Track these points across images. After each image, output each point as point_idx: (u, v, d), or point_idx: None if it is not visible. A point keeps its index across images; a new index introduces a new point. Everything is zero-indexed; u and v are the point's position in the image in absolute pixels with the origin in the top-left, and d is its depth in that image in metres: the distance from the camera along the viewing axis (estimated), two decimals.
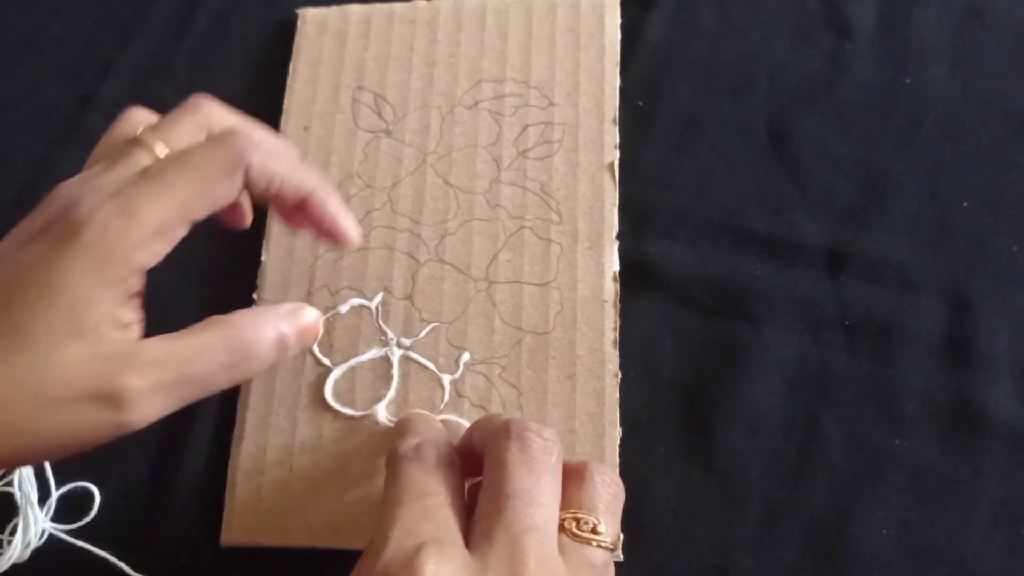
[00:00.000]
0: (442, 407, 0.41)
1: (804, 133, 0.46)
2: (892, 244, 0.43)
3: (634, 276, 0.44)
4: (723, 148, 0.46)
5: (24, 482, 0.41)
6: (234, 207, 0.39)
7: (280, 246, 0.45)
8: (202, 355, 0.33)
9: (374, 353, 0.43)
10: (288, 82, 0.50)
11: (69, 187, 0.34)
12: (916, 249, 0.43)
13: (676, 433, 0.41)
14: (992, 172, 0.45)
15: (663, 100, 0.48)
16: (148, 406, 0.32)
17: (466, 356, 0.42)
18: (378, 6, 0.51)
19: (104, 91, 0.51)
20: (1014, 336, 0.41)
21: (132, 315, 0.33)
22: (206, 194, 0.34)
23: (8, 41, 0.54)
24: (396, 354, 0.43)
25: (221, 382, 0.34)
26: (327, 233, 0.38)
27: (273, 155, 0.35)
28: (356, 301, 0.44)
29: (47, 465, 0.42)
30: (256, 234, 0.46)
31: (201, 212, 0.34)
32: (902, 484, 0.39)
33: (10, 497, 0.41)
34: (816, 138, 0.46)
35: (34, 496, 0.41)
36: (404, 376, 0.42)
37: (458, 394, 0.42)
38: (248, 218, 0.41)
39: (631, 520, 0.39)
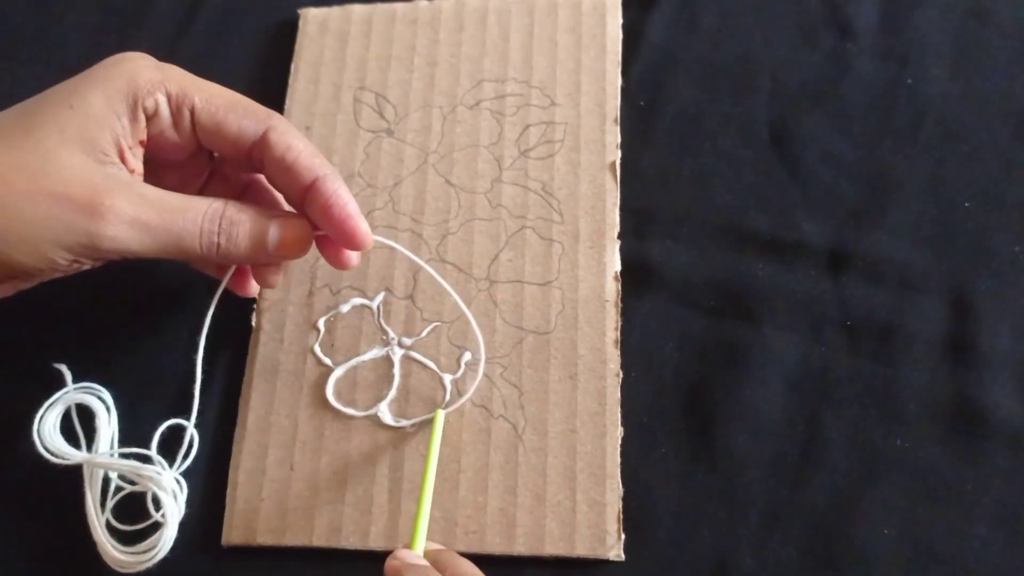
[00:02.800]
0: (444, 406, 0.41)
1: (806, 133, 0.46)
2: (894, 244, 0.43)
3: (635, 276, 0.44)
4: (724, 148, 0.46)
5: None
6: (243, 275, 0.41)
7: None
8: (187, 212, 0.35)
9: (375, 353, 0.43)
10: (289, 82, 0.50)
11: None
12: (918, 249, 0.43)
13: (677, 433, 0.41)
14: (993, 172, 0.45)
15: (664, 100, 0.48)
16: (124, 232, 0.34)
17: (467, 356, 0.42)
18: (380, 6, 0.51)
19: None
20: (1015, 336, 0.41)
21: (138, 164, 0.36)
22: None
23: (9, 41, 0.54)
24: (397, 354, 0.43)
25: (196, 246, 0.36)
26: (336, 224, 0.37)
27: (295, 132, 0.38)
28: (357, 301, 0.44)
29: None
30: None
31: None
32: (903, 484, 0.39)
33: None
34: (818, 138, 0.46)
35: None
36: (405, 376, 0.42)
37: (459, 393, 0.42)
38: (253, 287, 0.42)
39: (632, 520, 0.39)
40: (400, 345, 0.43)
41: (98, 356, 0.44)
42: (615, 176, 0.45)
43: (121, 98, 0.35)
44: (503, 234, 0.45)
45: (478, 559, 0.39)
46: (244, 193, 0.41)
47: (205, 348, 0.44)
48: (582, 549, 0.39)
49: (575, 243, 0.44)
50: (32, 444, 0.41)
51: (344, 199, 0.37)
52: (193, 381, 0.43)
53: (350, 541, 0.40)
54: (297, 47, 0.51)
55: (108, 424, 0.42)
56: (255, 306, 0.45)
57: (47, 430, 0.41)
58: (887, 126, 0.46)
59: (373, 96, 0.49)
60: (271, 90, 0.50)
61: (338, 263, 0.40)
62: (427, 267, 0.40)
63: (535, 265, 0.44)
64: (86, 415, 0.42)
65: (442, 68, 0.49)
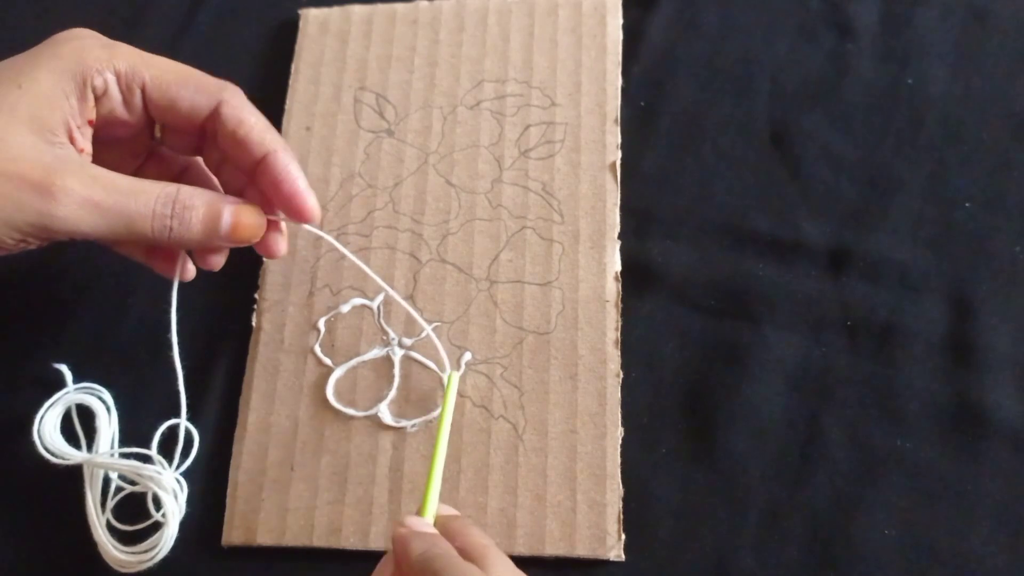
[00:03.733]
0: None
1: (806, 133, 0.46)
2: (894, 245, 0.43)
3: (636, 276, 0.44)
4: (725, 148, 0.46)
5: None
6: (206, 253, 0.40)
7: None
8: (139, 195, 0.35)
9: (376, 353, 0.43)
10: (290, 82, 0.50)
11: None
12: (918, 250, 0.43)
13: (678, 433, 0.41)
14: (994, 173, 0.45)
15: (665, 100, 0.48)
16: (75, 213, 0.34)
17: (468, 356, 0.42)
18: (380, 6, 0.51)
19: None
20: (1016, 337, 0.41)
21: (86, 144, 0.36)
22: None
23: (9, 42, 0.54)
24: (398, 354, 0.43)
25: (148, 229, 0.35)
26: (286, 198, 0.38)
27: (248, 106, 0.38)
28: (358, 301, 0.44)
29: None
30: None
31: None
32: (904, 484, 0.39)
33: None
34: (818, 138, 0.46)
35: None
36: (405, 376, 0.42)
37: (460, 394, 0.42)
38: (191, 271, 0.41)
39: (633, 520, 0.39)
40: (400, 345, 0.43)
41: (98, 356, 0.44)
42: (615, 176, 0.45)
43: (69, 77, 0.35)
44: (503, 234, 0.45)
45: None
46: (182, 176, 0.41)
47: (205, 348, 0.45)
48: (582, 549, 0.39)
49: (575, 243, 0.44)
50: (32, 444, 0.41)
51: (294, 174, 0.37)
52: (194, 382, 0.43)
53: (350, 541, 0.40)
54: (298, 47, 0.51)
55: (108, 424, 0.42)
56: (255, 306, 0.45)
57: (47, 430, 0.41)
58: (887, 126, 0.46)
59: (373, 96, 0.49)
60: (271, 90, 0.50)
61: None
62: (352, 256, 0.41)
63: (535, 265, 0.44)
64: (86, 415, 0.42)
65: (442, 68, 0.49)
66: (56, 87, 0.34)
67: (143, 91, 0.36)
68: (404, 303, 0.42)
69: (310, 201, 0.38)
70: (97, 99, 0.36)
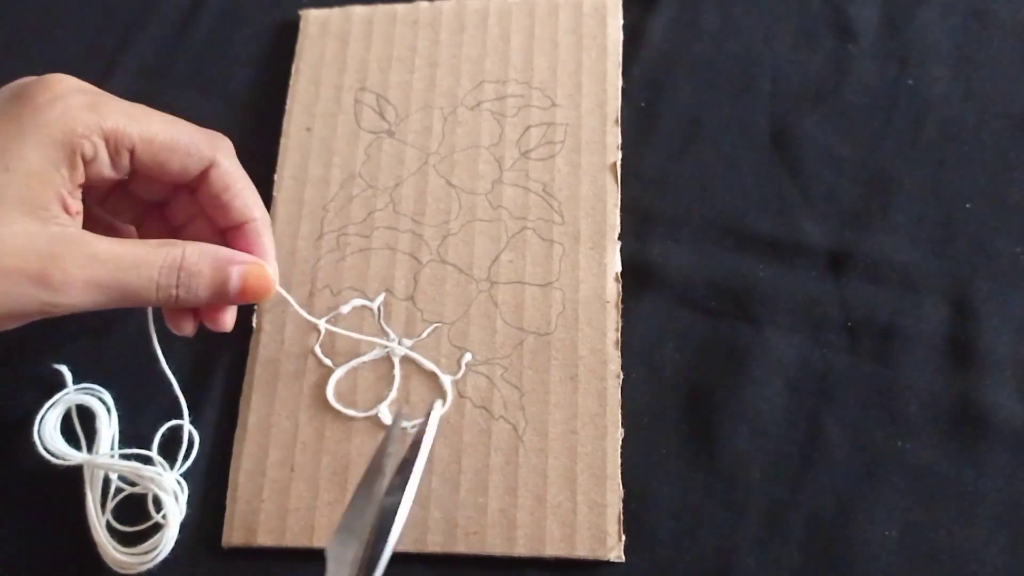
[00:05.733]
0: (444, 408, 0.41)
1: (806, 134, 0.46)
2: (894, 245, 0.43)
3: (636, 277, 0.44)
4: (725, 149, 0.46)
5: None
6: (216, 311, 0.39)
7: (282, 247, 0.45)
8: (141, 268, 0.34)
9: (376, 354, 0.43)
10: (290, 83, 0.50)
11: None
12: (918, 250, 0.43)
13: (678, 434, 0.41)
14: (995, 173, 0.45)
15: (665, 101, 0.48)
16: (78, 297, 0.33)
17: (468, 357, 0.42)
18: (380, 7, 0.51)
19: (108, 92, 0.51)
20: (1017, 338, 0.41)
21: (78, 205, 0.35)
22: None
23: (11, 43, 0.54)
24: (398, 355, 0.43)
25: (152, 299, 0.35)
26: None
27: (237, 169, 0.37)
28: (358, 302, 0.44)
29: None
30: None
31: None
32: (904, 486, 0.39)
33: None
34: (818, 139, 0.46)
35: None
36: (406, 377, 0.42)
37: (460, 395, 0.42)
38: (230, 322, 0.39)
39: (633, 521, 0.39)
40: (401, 346, 0.43)
41: (98, 357, 0.44)
42: (616, 177, 0.45)
43: (59, 149, 0.33)
44: (504, 235, 0.45)
45: (479, 560, 0.39)
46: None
47: (205, 349, 0.45)
48: (582, 550, 0.38)
49: (576, 244, 0.44)
50: (33, 445, 0.41)
51: (266, 247, 0.38)
52: (194, 383, 0.43)
53: None
54: (298, 48, 0.51)
55: (108, 425, 0.42)
56: (255, 307, 0.45)
57: (47, 431, 0.41)
58: (888, 127, 0.46)
59: (374, 97, 0.49)
60: (272, 91, 0.50)
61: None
62: (302, 311, 0.41)
63: (536, 266, 0.44)
64: (86, 416, 0.42)
65: (443, 69, 0.49)
66: (45, 162, 0.33)
67: (132, 153, 0.35)
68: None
69: (274, 275, 0.38)
70: (87, 164, 0.34)
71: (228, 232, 0.38)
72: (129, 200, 0.39)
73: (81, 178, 0.34)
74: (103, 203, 0.39)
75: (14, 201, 0.32)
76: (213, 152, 0.37)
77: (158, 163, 0.36)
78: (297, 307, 0.41)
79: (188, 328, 0.38)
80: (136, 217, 0.40)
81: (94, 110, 0.34)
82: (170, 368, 0.41)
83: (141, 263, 0.34)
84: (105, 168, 0.35)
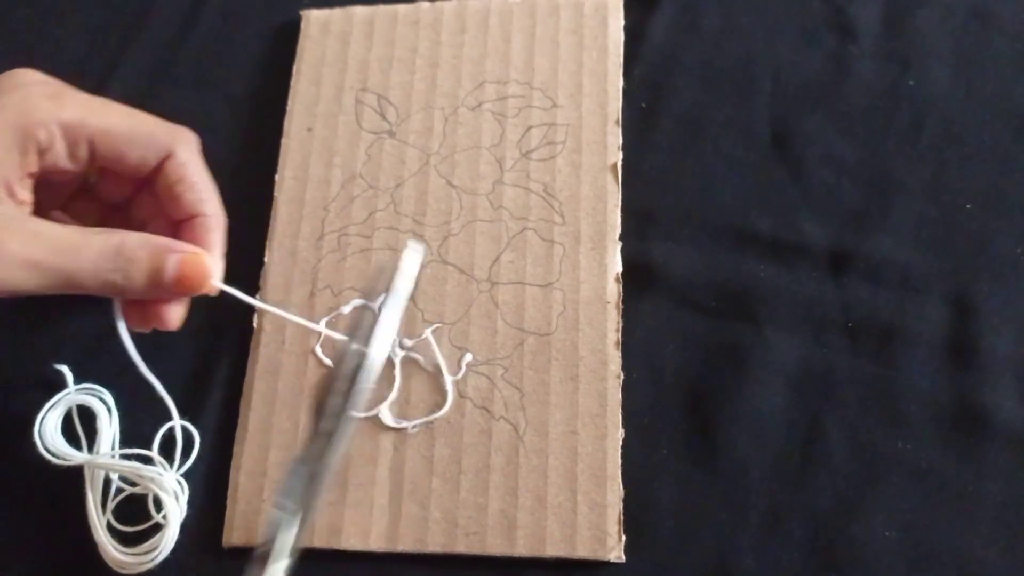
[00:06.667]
0: (445, 409, 0.41)
1: (807, 135, 0.46)
2: (895, 246, 0.43)
3: (637, 277, 0.44)
4: (726, 149, 0.46)
5: None
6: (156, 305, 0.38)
7: (283, 247, 0.46)
8: (81, 250, 0.34)
9: None
10: (291, 83, 0.50)
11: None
12: (919, 251, 0.43)
13: (678, 434, 0.41)
14: (995, 174, 0.45)
15: (666, 101, 0.48)
16: (16, 273, 0.33)
17: (468, 357, 0.42)
18: (381, 8, 0.51)
19: (108, 93, 0.51)
20: (1017, 338, 0.41)
21: (27, 194, 0.35)
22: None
23: (12, 43, 0.54)
24: (398, 355, 0.43)
25: (92, 284, 0.34)
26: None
27: (195, 163, 0.37)
28: (358, 302, 0.44)
29: None
30: (259, 235, 0.46)
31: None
32: (905, 486, 0.39)
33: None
34: (819, 140, 0.46)
35: None
36: (406, 377, 0.42)
37: (460, 395, 0.42)
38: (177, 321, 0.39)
39: (633, 521, 0.39)
40: (401, 347, 0.43)
41: (99, 357, 0.45)
42: (616, 177, 0.45)
43: (11, 133, 0.34)
44: (504, 235, 0.45)
45: (479, 560, 0.39)
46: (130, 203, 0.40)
47: (206, 349, 0.45)
48: (583, 551, 0.38)
49: (576, 244, 0.44)
50: (33, 445, 0.41)
51: (212, 245, 0.37)
52: (195, 383, 0.43)
53: (350, 542, 0.40)
54: (299, 49, 0.51)
55: (109, 425, 0.42)
56: (257, 307, 0.45)
57: (48, 431, 0.41)
58: (889, 128, 0.46)
59: (375, 97, 0.49)
60: (273, 91, 0.50)
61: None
62: (269, 307, 0.41)
63: (536, 266, 0.44)
64: (87, 416, 0.42)
65: (444, 70, 0.49)
66: None
67: (90, 145, 0.35)
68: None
69: (213, 268, 0.37)
70: (41, 153, 0.35)
71: (179, 225, 0.38)
72: (91, 203, 0.40)
73: (33, 167, 0.35)
74: (66, 207, 0.39)
75: None
76: (172, 144, 0.37)
77: (117, 155, 0.36)
78: (275, 309, 0.41)
79: (143, 324, 0.38)
80: (100, 221, 0.40)
81: (53, 100, 0.35)
82: (171, 368, 0.41)
83: (81, 246, 0.34)
84: (62, 159, 0.35)
